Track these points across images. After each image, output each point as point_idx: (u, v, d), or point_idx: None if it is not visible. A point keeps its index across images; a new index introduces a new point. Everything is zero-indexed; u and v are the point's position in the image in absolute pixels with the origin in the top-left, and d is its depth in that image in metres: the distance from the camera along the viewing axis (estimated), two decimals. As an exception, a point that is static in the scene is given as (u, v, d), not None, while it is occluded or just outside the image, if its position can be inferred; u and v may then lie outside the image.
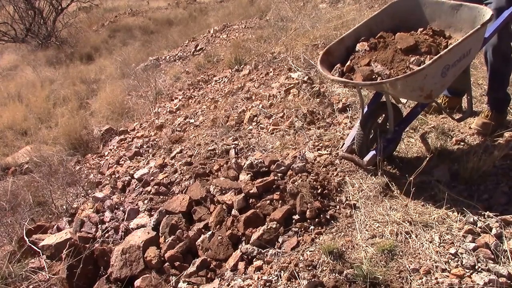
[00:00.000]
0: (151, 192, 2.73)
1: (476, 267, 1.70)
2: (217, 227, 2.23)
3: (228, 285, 1.85)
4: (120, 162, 3.52)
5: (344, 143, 2.53)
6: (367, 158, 2.29)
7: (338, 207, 2.13)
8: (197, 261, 2.05)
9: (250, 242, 2.04)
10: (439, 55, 1.96)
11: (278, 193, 2.21)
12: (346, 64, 2.34)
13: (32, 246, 2.48)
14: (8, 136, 5.22)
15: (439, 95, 2.59)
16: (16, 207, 3.11)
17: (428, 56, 2.13)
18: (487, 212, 1.98)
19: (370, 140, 2.39)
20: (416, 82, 2.00)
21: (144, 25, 11.36)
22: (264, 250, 1.97)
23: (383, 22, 2.47)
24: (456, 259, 1.74)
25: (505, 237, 1.77)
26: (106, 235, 2.53)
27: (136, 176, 3.02)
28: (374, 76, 2.18)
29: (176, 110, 4.27)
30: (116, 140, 4.09)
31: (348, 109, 3.11)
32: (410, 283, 1.66)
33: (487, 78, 2.76)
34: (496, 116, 2.64)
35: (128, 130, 4.25)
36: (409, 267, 1.72)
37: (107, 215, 2.70)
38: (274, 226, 2.04)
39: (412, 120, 2.39)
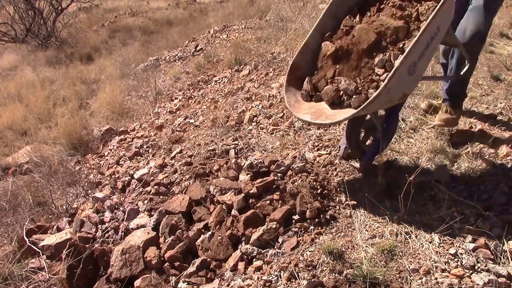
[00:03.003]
0: (151, 192, 2.73)
1: (476, 267, 1.70)
2: (217, 227, 2.23)
3: (228, 285, 1.85)
4: (120, 162, 3.52)
5: (340, 147, 2.53)
6: (361, 164, 2.32)
7: (338, 207, 2.13)
8: (197, 261, 2.05)
9: (250, 242, 2.04)
10: (393, 69, 1.83)
11: (278, 193, 2.21)
12: (312, 81, 2.20)
13: (32, 246, 2.48)
14: (8, 136, 5.22)
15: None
16: (16, 207, 3.11)
17: (393, 50, 1.99)
18: (487, 212, 1.98)
19: (362, 139, 2.40)
20: (382, 99, 1.91)
21: (144, 25, 11.35)
22: (264, 250, 1.97)
23: (346, 4, 2.28)
24: (456, 259, 1.74)
25: (505, 237, 1.77)
26: (106, 235, 2.53)
27: (136, 176, 3.02)
28: (341, 96, 2.06)
29: (176, 110, 4.27)
30: (116, 140, 4.09)
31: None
32: (410, 283, 1.66)
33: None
34: (456, 111, 2.70)
35: (128, 130, 4.25)
36: (409, 267, 1.72)
37: (107, 215, 2.70)
38: (274, 226, 2.04)
39: (398, 113, 2.30)
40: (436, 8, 1.85)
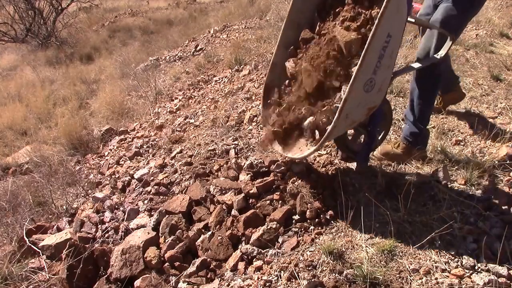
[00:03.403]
0: (151, 192, 2.72)
1: (476, 267, 1.70)
2: (217, 227, 2.23)
3: (228, 285, 1.85)
4: (120, 162, 3.52)
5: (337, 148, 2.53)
6: (356, 167, 2.34)
7: (338, 207, 2.13)
8: (197, 261, 2.05)
9: (250, 242, 2.04)
10: (342, 100, 1.76)
11: (278, 193, 2.21)
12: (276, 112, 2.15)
13: (32, 246, 2.48)
14: (8, 136, 5.22)
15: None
16: (16, 207, 3.11)
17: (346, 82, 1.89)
18: (487, 212, 1.98)
19: (352, 138, 2.40)
20: (343, 124, 1.87)
21: (144, 25, 11.36)
22: (264, 250, 1.97)
23: (305, 10, 2.14)
24: (456, 259, 1.74)
25: (505, 237, 1.77)
26: (106, 235, 2.53)
27: (136, 176, 3.02)
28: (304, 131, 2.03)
29: (176, 110, 4.26)
30: (116, 140, 4.09)
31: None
32: (410, 283, 1.66)
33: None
34: (409, 149, 2.41)
35: (128, 130, 4.25)
36: (409, 267, 1.72)
37: (107, 215, 2.70)
38: (274, 226, 2.04)
39: (380, 113, 2.19)
40: (379, 16, 1.67)
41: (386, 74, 1.88)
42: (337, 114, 1.80)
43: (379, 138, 2.35)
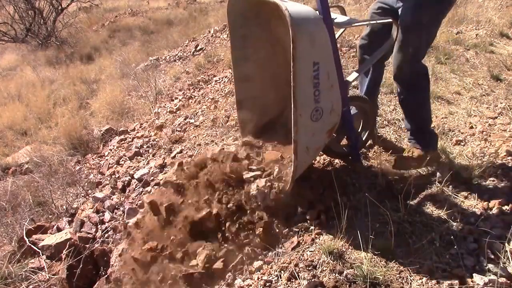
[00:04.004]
0: (151, 192, 2.72)
1: (476, 267, 1.70)
2: (217, 227, 2.23)
3: (228, 285, 1.85)
4: (120, 162, 3.52)
5: None
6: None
7: (338, 207, 2.12)
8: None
9: (250, 242, 2.03)
10: (293, 146, 1.76)
11: (278, 193, 2.20)
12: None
13: (32, 246, 2.48)
14: (8, 136, 5.22)
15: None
16: (16, 207, 3.11)
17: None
18: (487, 212, 1.98)
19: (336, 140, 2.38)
20: (306, 158, 1.89)
21: (144, 25, 11.35)
22: (265, 250, 1.97)
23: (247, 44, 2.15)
24: (457, 259, 1.74)
25: (506, 237, 1.77)
26: (106, 235, 2.53)
27: (136, 176, 3.02)
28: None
29: (176, 110, 4.26)
30: (116, 140, 4.08)
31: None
32: (410, 283, 1.66)
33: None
34: (422, 155, 2.31)
35: (128, 130, 4.25)
36: (409, 267, 1.72)
37: (107, 215, 2.70)
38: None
39: (352, 127, 2.21)
40: (292, 58, 1.59)
41: (333, 94, 1.83)
42: (293, 156, 1.82)
43: (363, 138, 2.36)
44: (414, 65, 2.19)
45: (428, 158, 2.24)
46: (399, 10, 2.12)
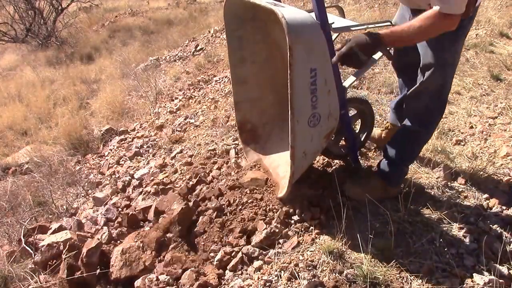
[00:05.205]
0: (151, 192, 2.72)
1: (476, 267, 1.70)
2: (217, 227, 2.23)
3: (228, 285, 1.85)
4: (120, 162, 3.52)
5: None
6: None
7: (338, 207, 2.12)
8: (197, 261, 2.05)
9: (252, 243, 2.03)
10: (290, 152, 1.74)
11: (278, 193, 2.20)
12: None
13: (26, 247, 2.48)
14: (8, 136, 5.22)
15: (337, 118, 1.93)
16: (16, 207, 3.11)
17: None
18: (487, 212, 1.98)
19: (334, 141, 2.37)
20: (306, 161, 1.89)
21: (144, 25, 11.35)
22: (265, 251, 1.97)
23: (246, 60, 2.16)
24: (457, 259, 1.74)
25: (505, 237, 1.77)
26: (106, 235, 2.52)
27: (136, 176, 3.02)
28: None
29: (176, 110, 4.26)
30: (116, 140, 4.09)
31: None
32: (410, 283, 1.66)
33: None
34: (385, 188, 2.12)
35: (128, 130, 4.25)
36: (409, 267, 1.72)
37: (107, 215, 2.70)
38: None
39: (350, 129, 2.16)
40: (289, 64, 1.56)
41: (330, 99, 1.79)
42: (291, 162, 1.81)
43: (362, 139, 2.36)
44: (435, 102, 1.90)
45: (388, 194, 2.09)
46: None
